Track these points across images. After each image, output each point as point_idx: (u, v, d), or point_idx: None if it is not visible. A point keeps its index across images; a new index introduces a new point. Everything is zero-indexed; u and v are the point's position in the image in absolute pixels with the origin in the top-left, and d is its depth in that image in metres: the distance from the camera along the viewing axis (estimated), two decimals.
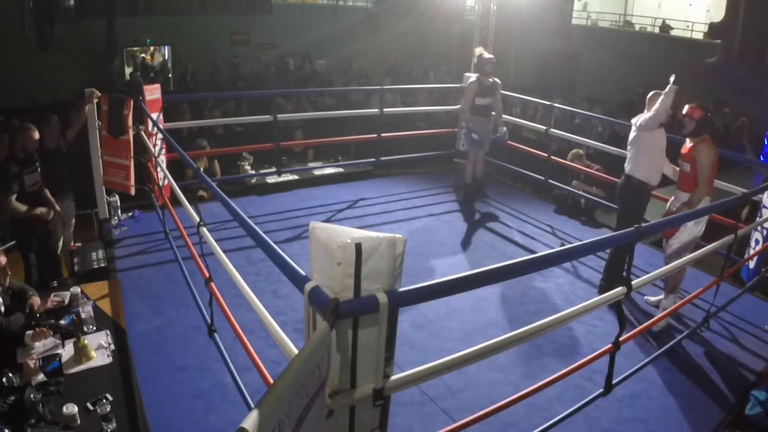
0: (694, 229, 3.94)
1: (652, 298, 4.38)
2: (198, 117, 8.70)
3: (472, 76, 6.16)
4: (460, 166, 6.84)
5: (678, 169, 4.12)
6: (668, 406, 3.30)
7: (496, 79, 6.14)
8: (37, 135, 4.28)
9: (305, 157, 7.56)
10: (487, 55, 6.08)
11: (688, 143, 4.01)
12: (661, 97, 4.01)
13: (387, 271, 1.70)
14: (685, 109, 3.97)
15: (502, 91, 7.74)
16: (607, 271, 4.47)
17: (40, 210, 4.29)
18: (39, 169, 4.34)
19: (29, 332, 3.20)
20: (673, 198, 4.19)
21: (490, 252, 5.26)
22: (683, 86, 3.98)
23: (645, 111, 4.15)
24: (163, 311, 3.99)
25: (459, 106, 6.71)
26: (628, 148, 4.32)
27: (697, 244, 3.96)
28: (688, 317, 4.21)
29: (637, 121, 4.18)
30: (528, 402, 2.82)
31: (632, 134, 4.26)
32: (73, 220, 5.02)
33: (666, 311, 3.73)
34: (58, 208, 4.42)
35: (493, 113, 6.11)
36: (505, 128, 6.34)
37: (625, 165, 4.35)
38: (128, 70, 14.62)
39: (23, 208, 4.20)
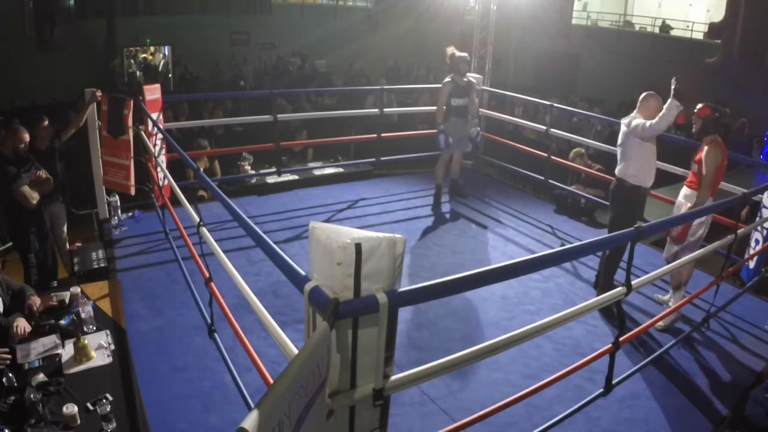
0: (698, 231, 3.91)
1: (662, 297, 4.37)
2: (198, 117, 8.72)
3: (448, 77, 5.96)
4: (462, 165, 6.81)
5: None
6: (668, 406, 3.30)
7: (471, 79, 6.02)
8: (27, 136, 4.28)
9: (305, 157, 7.56)
10: (459, 54, 5.89)
11: (702, 146, 3.94)
12: (664, 111, 3.81)
13: (387, 271, 1.70)
14: (697, 108, 3.91)
15: (502, 92, 7.82)
16: (603, 277, 4.30)
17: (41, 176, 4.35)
18: (35, 168, 4.35)
19: (17, 324, 3.21)
20: (680, 196, 4.10)
21: (490, 252, 5.27)
22: (683, 86, 3.94)
23: (636, 112, 4.06)
24: (163, 311, 3.99)
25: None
26: (618, 148, 4.19)
27: (700, 246, 3.94)
28: (688, 317, 4.21)
29: (629, 123, 4.02)
30: (528, 402, 2.83)
31: (622, 135, 4.13)
32: (65, 223, 4.97)
33: (671, 308, 3.72)
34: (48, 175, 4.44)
35: (469, 114, 6.00)
36: (478, 129, 6.21)
37: (617, 168, 4.21)
38: (131, 69, 14.64)
39: (36, 195, 4.25)
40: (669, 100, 3.82)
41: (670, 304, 4.19)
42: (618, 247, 4.08)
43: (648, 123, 3.90)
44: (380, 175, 7.16)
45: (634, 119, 4.02)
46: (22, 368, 3.01)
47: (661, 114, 3.84)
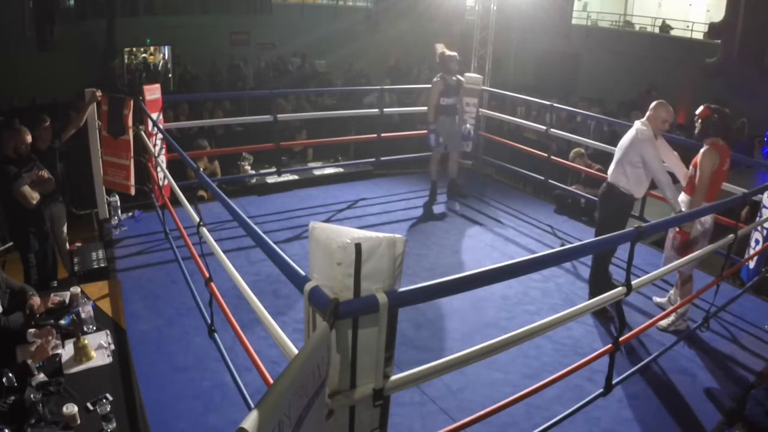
0: (704, 242, 3.83)
1: (659, 299, 4.37)
2: (198, 117, 8.72)
3: (437, 76, 5.95)
4: (462, 165, 6.81)
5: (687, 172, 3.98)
6: (668, 406, 3.30)
7: (460, 78, 6.03)
8: (29, 137, 4.28)
9: (305, 157, 7.56)
10: (449, 52, 5.89)
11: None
12: (665, 190, 3.83)
13: (387, 271, 1.70)
14: (698, 109, 3.83)
15: (502, 92, 7.81)
16: (592, 280, 4.27)
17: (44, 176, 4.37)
18: (36, 168, 4.35)
19: (32, 330, 3.21)
20: (680, 201, 4.02)
21: (490, 252, 5.26)
22: (683, 86, 3.89)
23: (645, 119, 3.93)
24: (163, 311, 3.99)
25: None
26: (617, 151, 4.05)
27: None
28: (689, 317, 4.20)
29: (639, 137, 3.85)
30: (528, 402, 2.83)
31: (626, 140, 3.97)
32: (65, 223, 4.96)
33: (672, 308, 3.71)
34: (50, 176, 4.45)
35: (458, 113, 6.03)
36: (469, 126, 6.21)
37: (609, 170, 4.10)
38: (135, 68, 14.64)
39: (36, 195, 4.27)
40: (672, 200, 3.84)
41: (670, 303, 4.18)
42: (605, 250, 4.03)
43: (654, 160, 3.81)
44: (380, 175, 7.17)
45: (643, 132, 3.85)
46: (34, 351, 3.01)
47: (662, 184, 3.83)
